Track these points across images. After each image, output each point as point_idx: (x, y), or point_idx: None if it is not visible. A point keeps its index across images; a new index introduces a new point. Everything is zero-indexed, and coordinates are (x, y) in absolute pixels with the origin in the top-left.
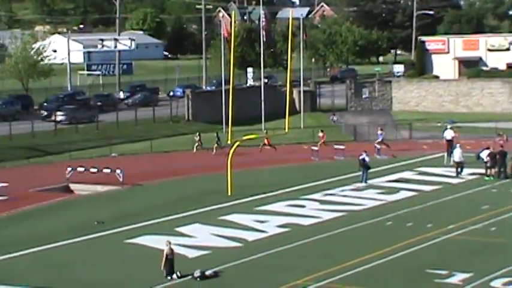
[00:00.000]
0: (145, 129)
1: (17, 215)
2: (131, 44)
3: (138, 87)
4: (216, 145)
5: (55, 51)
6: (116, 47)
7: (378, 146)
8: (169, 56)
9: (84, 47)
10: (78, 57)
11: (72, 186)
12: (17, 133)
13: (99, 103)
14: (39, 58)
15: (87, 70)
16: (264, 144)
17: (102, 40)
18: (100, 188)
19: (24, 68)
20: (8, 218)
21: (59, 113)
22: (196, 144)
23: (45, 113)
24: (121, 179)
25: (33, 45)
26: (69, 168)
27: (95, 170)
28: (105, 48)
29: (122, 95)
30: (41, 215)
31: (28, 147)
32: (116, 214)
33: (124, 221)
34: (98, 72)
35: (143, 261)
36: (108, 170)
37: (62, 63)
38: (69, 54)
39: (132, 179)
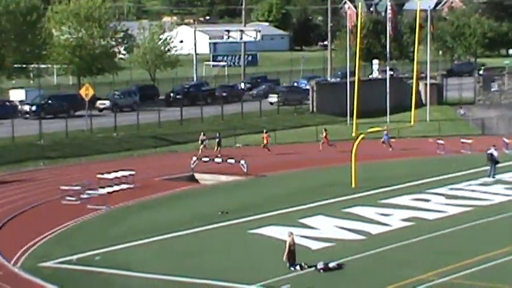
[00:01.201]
0: (269, 120)
1: (143, 203)
2: (257, 35)
3: (259, 78)
4: (202, 147)
5: (182, 42)
6: (241, 38)
7: (507, 141)
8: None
9: (210, 38)
10: (204, 48)
11: (197, 175)
12: (144, 122)
13: (224, 94)
14: (166, 49)
15: (213, 61)
16: (264, 146)
17: (228, 31)
18: (224, 178)
19: (152, 59)
20: (134, 206)
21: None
22: (202, 145)
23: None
24: (245, 170)
25: (161, 36)
26: (194, 158)
27: (219, 160)
28: (230, 39)
29: (242, 85)
30: (166, 204)
31: (155, 136)
32: (239, 204)
33: (247, 211)
34: (223, 63)
35: (266, 251)
36: (233, 161)
37: (188, 54)
38: (195, 45)
39: (256, 170)
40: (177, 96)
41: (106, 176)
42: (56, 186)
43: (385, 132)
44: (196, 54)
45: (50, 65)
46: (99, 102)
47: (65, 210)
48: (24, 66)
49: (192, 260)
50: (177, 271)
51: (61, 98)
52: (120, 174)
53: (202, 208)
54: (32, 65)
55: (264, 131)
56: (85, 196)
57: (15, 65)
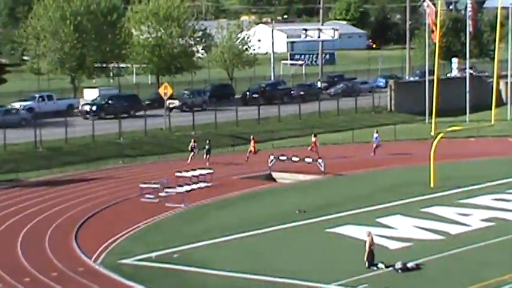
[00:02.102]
0: (347, 119)
1: (221, 202)
2: (334, 34)
3: (336, 77)
4: (207, 155)
5: (259, 40)
6: (319, 36)
7: None
8: (373, 45)
9: (287, 37)
10: (281, 47)
11: (275, 174)
12: (222, 121)
13: (301, 93)
14: (244, 48)
15: (290, 60)
16: (251, 151)
17: (305, 30)
18: (302, 177)
19: (230, 58)
20: (212, 204)
21: None
22: (192, 153)
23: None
24: (322, 169)
25: (239, 35)
26: (272, 157)
27: (297, 159)
28: (308, 38)
29: (319, 84)
30: (244, 202)
31: (232, 135)
32: (317, 203)
33: (325, 210)
34: (300, 62)
35: (343, 250)
36: (310, 160)
37: (265, 53)
38: (273, 44)
39: (334, 169)
40: (254, 95)
41: (184, 174)
42: (135, 184)
43: (375, 134)
44: (274, 53)
45: (129, 65)
46: (168, 101)
47: (144, 208)
48: (104, 65)
49: (269, 258)
50: (254, 270)
51: (122, 98)
52: (198, 172)
53: (279, 207)
54: (112, 64)
55: (313, 134)
56: (163, 194)
57: (96, 64)
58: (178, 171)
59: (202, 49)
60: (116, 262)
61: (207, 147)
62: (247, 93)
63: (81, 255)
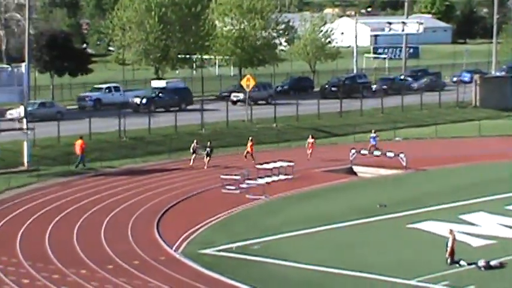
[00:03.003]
0: (430, 114)
1: (301, 194)
2: (419, 27)
3: (419, 71)
4: (207, 158)
5: (343, 33)
6: (403, 30)
7: None
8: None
9: (371, 30)
10: (365, 41)
11: (356, 168)
12: (304, 114)
13: (384, 87)
14: (327, 41)
15: (374, 53)
16: (248, 152)
17: (389, 23)
18: (383, 172)
19: (312, 50)
20: (292, 196)
21: None
22: (193, 155)
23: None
24: (404, 163)
25: (322, 28)
26: (353, 151)
27: (378, 153)
28: (392, 32)
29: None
30: (325, 196)
31: (314, 128)
32: (398, 198)
33: (406, 206)
34: (384, 56)
35: (424, 246)
36: (392, 154)
37: (348, 46)
38: (356, 37)
39: (416, 164)
40: (332, 89)
41: (265, 166)
42: (216, 175)
43: (373, 134)
44: (357, 46)
45: (212, 56)
46: (233, 94)
47: (225, 199)
48: (187, 56)
49: (349, 252)
50: (333, 263)
51: (172, 91)
52: (279, 164)
53: (360, 201)
54: (195, 56)
55: (310, 135)
56: (244, 185)
57: (179, 56)
58: (259, 163)
59: (285, 41)
60: (197, 252)
61: (207, 150)
62: (326, 86)
63: (162, 245)
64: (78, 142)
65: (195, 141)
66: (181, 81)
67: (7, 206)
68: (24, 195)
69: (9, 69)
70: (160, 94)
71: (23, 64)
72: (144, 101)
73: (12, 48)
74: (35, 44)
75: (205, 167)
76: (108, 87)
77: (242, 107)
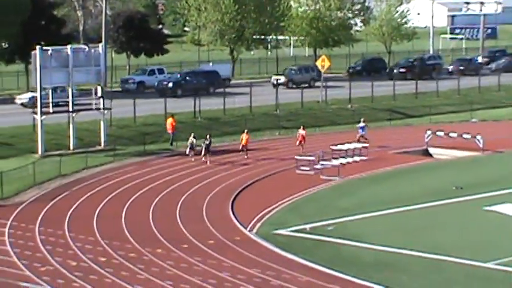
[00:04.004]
0: (508, 96)
1: (375, 176)
2: (497, 7)
3: (497, 52)
4: (189, 149)
5: (419, 14)
6: (481, 10)
7: None
8: None
9: (448, 11)
10: (441, 21)
11: (431, 150)
12: (379, 95)
13: (460, 67)
14: (403, 21)
15: (450, 34)
16: (244, 146)
17: (467, 3)
18: (459, 153)
19: (388, 31)
20: (367, 178)
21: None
22: (189, 149)
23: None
24: (481, 145)
25: (398, 9)
26: (429, 132)
27: (454, 134)
28: (469, 12)
29: (480, 59)
30: (400, 177)
31: (389, 109)
32: (474, 180)
33: (483, 188)
34: (460, 36)
35: (502, 229)
36: (468, 136)
37: (425, 27)
38: (432, 17)
39: (493, 146)
40: (401, 70)
41: (340, 147)
42: (291, 156)
43: (362, 124)
44: (433, 26)
45: (287, 37)
46: (273, 77)
47: (299, 179)
48: (262, 37)
49: (424, 234)
50: (407, 245)
51: (200, 74)
52: (353, 146)
53: (435, 183)
54: (270, 37)
55: (302, 126)
56: (318, 167)
57: (254, 36)
58: (333, 144)
59: (361, 22)
60: (271, 232)
61: (206, 142)
62: (394, 67)
63: (237, 225)
64: (169, 120)
65: (192, 134)
66: (228, 64)
67: (84, 185)
68: (101, 175)
69: (87, 49)
70: (187, 77)
71: (100, 45)
72: (170, 85)
73: (90, 29)
74: (112, 25)
75: (208, 163)
76: (152, 70)
77: (312, 88)
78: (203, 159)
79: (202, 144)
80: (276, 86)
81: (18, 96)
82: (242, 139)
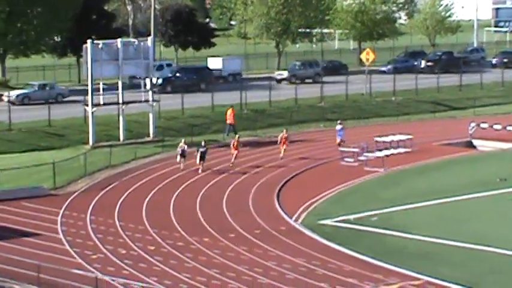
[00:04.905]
0: None
1: (420, 167)
2: None
3: None
4: (200, 161)
5: (463, 7)
6: None
7: None
8: None
9: (492, 3)
10: (486, 14)
11: (475, 142)
12: (422, 88)
13: (504, 60)
14: (447, 14)
15: (494, 27)
16: (236, 148)
17: None
18: (504, 145)
19: (432, 24)
20: (411, 169)
21: None
22: (182, 158)
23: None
24: None
25: (442, 2)
26: (473, 124)
27: (499, 126)
28: None
29: None
30: (444, 169)
31: (433, 101)
32: None
33: None
34: (505, 29)
35: None
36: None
37: (469, 20)
38: (476, 10)
39: None
40: (428, 64)
41: (384, 139)
42: (335, 148)
43: (338, 126)
44: (478, 20)
45: (332, 30)
46: (276, 73)
47: (343, 171)
48: (307, 30)
49: (467, 225)
50: (451, 235)
51: (191, 71)
52: (397, 137)
53: (480, 174)
54: (315, 30)
55: (285, 129)
56: (363, 158)
57: (299, 30)
58: (377, 136)
59: (405, 15)
60: (316, 222)
61: (201, 150)
62: (421, 61)
63: (282, 215)
64: (229, 111)
65: (183, 140)
66: (239, 58)
67: (134, 175)
68: (150, 165)
69: (136, 43)
70: (177, 74)
71: (149, 38)
72: (160, 81)
73: (139, 23)
74: (161, 19)
75: (200, 171)
76: (160, 65)
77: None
78: (200, 168)
79: (196, 152)
80: (279, 81)
81: (5, 94)
82: (232, 145)
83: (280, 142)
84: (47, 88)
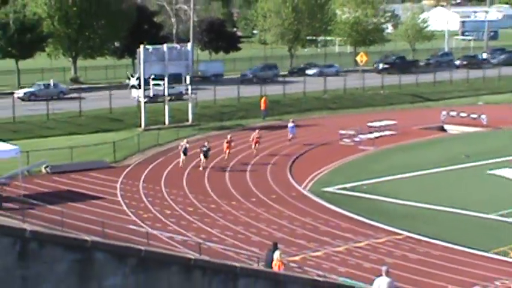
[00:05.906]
0: (506, 84)
1: (402, 146)
2: (499, 15)
3: (498, 50)
4: (204, 159)
5: (437, 20)
6: (485, 17)
7: None
8: None
9: (460, 17)
10: (455, 25)
11: (446, 126)
12: (405, 83)
13: (464, 62)
14: (424, 25)
15: (461, 35)
16: (228, 148)
17: (475, 12)
18: (468, 129)
19: (412, 33)
20: (395, 148)
21: None
22: (184, 156)
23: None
24: (485, 123)
25: (420, 16)
26: (444, 112)
27: (464, 114)
28: (477, 18)
29: (484, 56)
30: (421, 147)
31: (413, 94)
32: (480, 150)
33: (487, 156)
34: (470, 37)
35: (503, 188)
36: (475, 115)
37: (441, 30)
38: (447, 23)
39: (494, 123)
40: (385, 66)
41: (374, 124)
42: (335, 131)
43: (290, 124)
44: (448, 30)
45: (333, 38)
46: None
47: (342, 149)
48: (314, 38)
49: (441, 192)
50: (427, 200)
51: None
52: (385, 123)
53: (449, 152)
54: (320, 37)
55: (257, 130)
56: (357, 139)
57: (307, 37)
58: (369, 122)
59: (391, 26)
60: (320, 190)
61: (204, 148)
62: (380, 64)
63: (294, 184)
64: (263, 100)
65: (185, 140)
66: (220, 62)
67: (176, 152)
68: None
69: (178, 47)
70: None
71: (189, 44)
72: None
73: (181, 32)
74: (198, 28)
75: (201, 168)
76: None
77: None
78: (201, 167)
79: (199, 150)
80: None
81: (16, 91)
82: (224, 147)
83: (252, 141)
84: (51, 87)
